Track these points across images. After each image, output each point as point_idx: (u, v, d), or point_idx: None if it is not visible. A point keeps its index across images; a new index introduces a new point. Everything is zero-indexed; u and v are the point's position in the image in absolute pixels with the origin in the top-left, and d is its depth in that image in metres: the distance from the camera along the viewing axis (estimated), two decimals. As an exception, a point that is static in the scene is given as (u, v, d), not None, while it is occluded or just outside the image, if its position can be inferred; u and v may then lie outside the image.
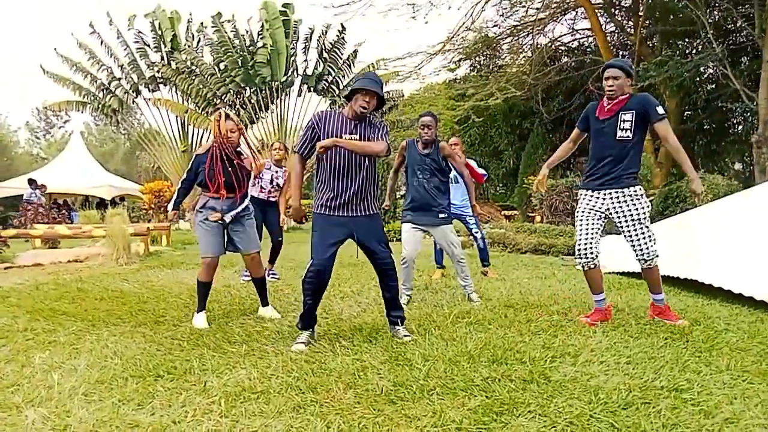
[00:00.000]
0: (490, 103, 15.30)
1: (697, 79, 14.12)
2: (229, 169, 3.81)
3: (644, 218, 3.54)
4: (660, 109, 3.45)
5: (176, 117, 21.21)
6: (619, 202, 3.55)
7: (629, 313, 3.92)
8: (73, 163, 21.17)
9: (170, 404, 2.27)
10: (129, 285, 5.46)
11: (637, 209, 3.53)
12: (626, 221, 3.54)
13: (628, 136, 3.49)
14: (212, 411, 2.20)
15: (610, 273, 5.82)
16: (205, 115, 20.03)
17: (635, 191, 3.54)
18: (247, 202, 3.96)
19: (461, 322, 3.66)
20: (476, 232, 5.89)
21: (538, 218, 13.07)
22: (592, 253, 3.60)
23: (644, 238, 3.55)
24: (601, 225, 3.64)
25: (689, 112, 16.25)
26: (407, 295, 4.42)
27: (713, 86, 15.23)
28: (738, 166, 19.16)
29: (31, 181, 14.28)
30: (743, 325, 3.53)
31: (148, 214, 17.57)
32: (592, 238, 3.60)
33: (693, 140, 16.52)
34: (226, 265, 7.14)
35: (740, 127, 16.13)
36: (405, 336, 3.29)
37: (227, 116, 3.82)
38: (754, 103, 11.31)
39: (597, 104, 3.69)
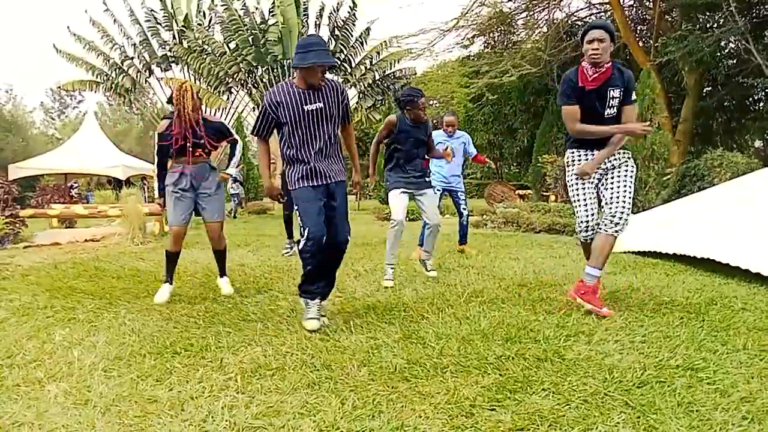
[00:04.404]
0: (504, 80, 15.10)
1: (718, 54, 13.76)
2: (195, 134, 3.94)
3: (633, 179, 3.35)
4: (635, 94, 3.34)
5: (189, 96, 21.17)
6: (617, 158, 3.36)
7: (644, 292, 3.89)
8: (88, 144, 21.30)
9: (188, 380, 2.31)
10: (145, 264, 5.53)
11: (631, 166, 3.36)
12: (620, 174, 3.32)
13: (614, 113, 3.30)
14: (229, 387, 2.23)
15: (624, 252, 5.77)
16: (218, 94, 20.02)
17: (628, 152, 3.42)
18: (212, 177, 4.07)
19: (474, 301, 3.66)
20: (464, 209, 5.98)
21: (552, 197, 12.96)
22: (592, 223, 3.43)
23: (629, 199, 3.29)
24: (595, 194, 3.46)
25: (709, 88, 15.89)
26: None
27: (734, 61, 14.84)
28: (758, 143, 18.77)
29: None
30: (761, 304, 3.49)
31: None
32: (591, 210, 3.42)
33: (712, 117, 16.20)
34: (240, 244, 7.20)
35: (761, 104, 15.76)
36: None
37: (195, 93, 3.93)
38: (777, 79, 11.02)
39: (576, 73, 3.30)
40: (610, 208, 3.29)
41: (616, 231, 3.28)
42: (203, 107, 4.21)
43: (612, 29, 3.27)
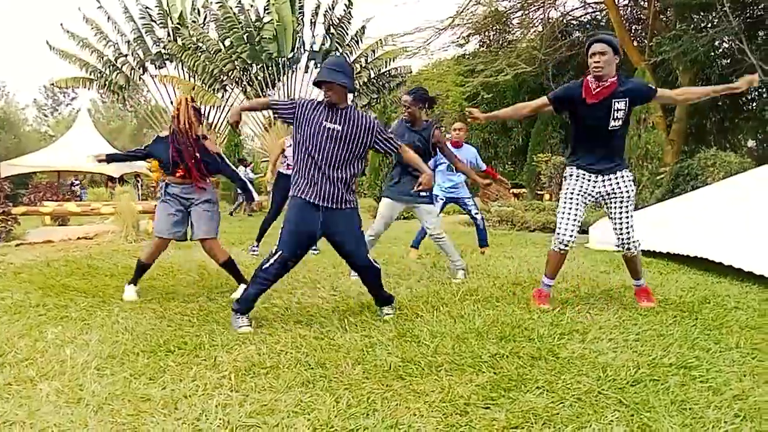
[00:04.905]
0: (499, 79, 15.12)
1: (712, 53, 13.82)
2: (189, 154, 3.74)
3: (633, 203, 3.44)
4: (651, 84, 3.39)
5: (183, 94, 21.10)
6: (617, 182, 3.39)
7: (638, 290, 3.90)
8: (81, 141, 21.18)
9: (181, 379, 2.30)
10: (139, 262, 5.49)
11: (630, 192, 3.40)
12: (621, 202, 3.38)
13: (619, 125, 3.31)
14: (222, 385, 2.22)
15: (617, 251, 5.79)
16: (212, 92, 19.95)
17: (629, 174, 3.45)
18: (207, 192, 3.87)
19: (469, 300, 3.66)
20: (476, 213, 5.91)
21: (547, 196, 13.00)
22: (573, 239, 3.44)
23: (632, 222, 3.42)
24: (584, 211, 3.50)
25: (703, 88, 15.96)
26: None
27: (728, 61, 14.89)
28: (751, 143, 18.88)
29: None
30: (753, 303, 3.51)
31: (157, 191, 17.65)
32: (576, 225, 3.43)
33: (706, 117, 16.27)
34: (234, 242, 7.18)
35: (755, 104, 15.85)
36: (387, 314, 3.31)
37: (194, 107, 3.80)
38: (770, 79, 11.07)
39: (580, 84, 3.32)
40: (621, 238, 3.46)
41: (632, 252, 3.48)
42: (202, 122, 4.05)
43: (614, 43, 3.24)
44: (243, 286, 3.84)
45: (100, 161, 3.97)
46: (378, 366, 2.41)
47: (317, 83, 3.08)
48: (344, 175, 3.09)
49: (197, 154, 3.76)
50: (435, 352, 2.58)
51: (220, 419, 1.92)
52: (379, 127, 3.17)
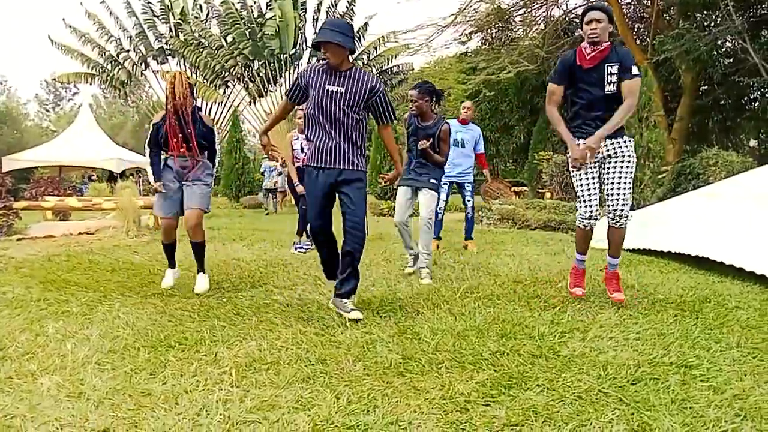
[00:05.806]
0: (501, 76, 15.09)
1: (715, 52, 13.77)
2: (184, 128, 3.87)
3: (632, 171, 3.40)
4: (635, 69, 3.32)
5: (184, 90, 21.05)
6: (618, 146, 3.39)
7: (639, 289, 3.90)
8: (83, 136, 21.15)
9: (182, 374, 2.30)
10: (139, 257, 5.50)
11: (631, 158, 3.40)
12: (621, 165, 3.37)
13: (614, 90, 3.32)
14: (223, 381, 2.23)
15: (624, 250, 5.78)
16: (214, 88, 19.92)
17: (630, 140, 3.44)
18: (203, 165, 4.02)
19: (470, 297, 3.66)
20: (468, 201, 6.16)
21: (548, 194, 12.98)
22: (595, 212, 3.45)
23: (629, 190, 3.36)
24: (598, 180, 3.49)
25: (705, 87, 15.92)
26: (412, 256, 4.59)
27: (731, 60, 14.85)
28: (753, 142, 18.85)
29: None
30: (754, 302, 3.51)
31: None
32: (594, 197, 3.44)
33: (708, 116, 16.23)
34: (236, 239, 7.18)
35: (757, 103, 15.80)
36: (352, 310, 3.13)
37: (188, 83, 3.88)
38: (773, 78, 11.05)
39: (574, 52, 3.39)
40: (611, 204, 3.40)
41: (620, 224, 3.41)
42: (197, 101, 4.16)
43: (610, 11, 3.37)
44: (202, 276, 4.03)
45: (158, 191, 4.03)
46: (378, 363, 2.41)
47: (315, 45, 3.12)
48: (350, 137, 3.15)
49: (193, 126, 3.88)
50: (435, 349, 2.58)
51: (220, 414, 1.92)
52: (382, 91, 3.19)
